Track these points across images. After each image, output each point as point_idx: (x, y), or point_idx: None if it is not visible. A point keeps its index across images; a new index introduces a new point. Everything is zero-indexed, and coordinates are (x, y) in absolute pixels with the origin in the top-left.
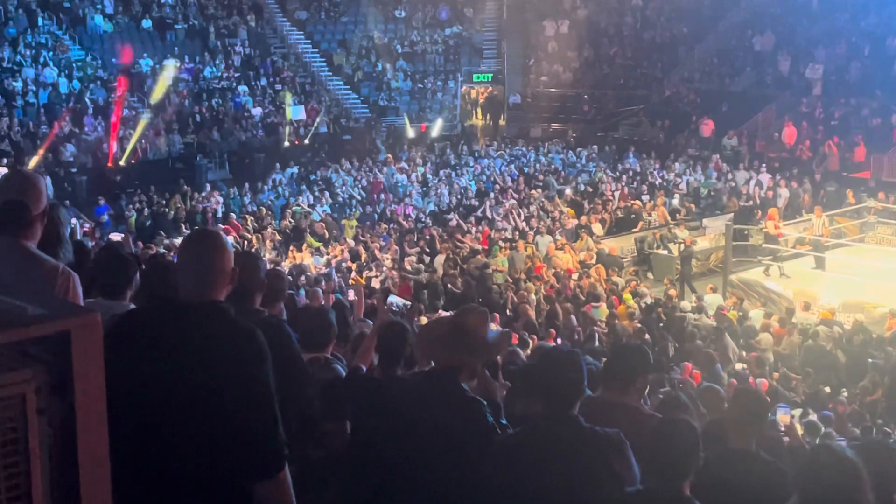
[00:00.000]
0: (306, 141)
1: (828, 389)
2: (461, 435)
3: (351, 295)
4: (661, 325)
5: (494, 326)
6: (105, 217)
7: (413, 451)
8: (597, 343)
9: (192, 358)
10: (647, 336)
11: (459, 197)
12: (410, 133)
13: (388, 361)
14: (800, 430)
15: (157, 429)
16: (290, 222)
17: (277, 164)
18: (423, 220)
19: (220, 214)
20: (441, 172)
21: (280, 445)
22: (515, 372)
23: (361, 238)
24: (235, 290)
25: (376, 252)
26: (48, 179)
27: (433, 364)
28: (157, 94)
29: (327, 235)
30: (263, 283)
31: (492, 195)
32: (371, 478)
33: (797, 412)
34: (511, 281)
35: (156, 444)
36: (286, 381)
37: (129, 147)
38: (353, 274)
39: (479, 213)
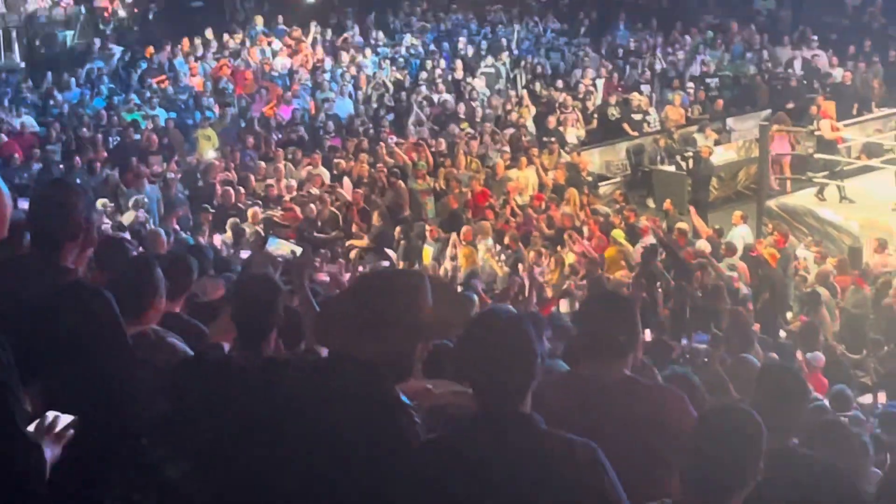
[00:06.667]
0: (135, 9)
1: None
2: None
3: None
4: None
5: None
6: None
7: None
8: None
9: None
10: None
11: (369, 92)
12: None
13: (248, 337)
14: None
15: None
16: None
17: (96, 41)
18: (318, 124)
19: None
20: (342, 54)
21: None
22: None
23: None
24: (36, 235)
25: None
26: None
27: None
28: None
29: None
30: (78, 229)
31: (422, 88)
32: None
33: (867, 398)
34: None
35: None
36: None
37: None
38: None
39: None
